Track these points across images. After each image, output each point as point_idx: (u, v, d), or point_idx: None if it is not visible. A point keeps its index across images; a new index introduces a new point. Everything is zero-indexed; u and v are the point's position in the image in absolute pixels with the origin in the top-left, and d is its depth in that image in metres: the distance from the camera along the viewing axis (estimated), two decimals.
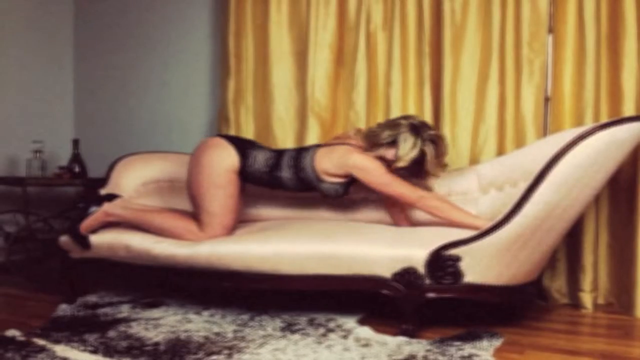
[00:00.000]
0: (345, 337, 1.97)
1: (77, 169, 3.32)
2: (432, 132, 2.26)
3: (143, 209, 2.43)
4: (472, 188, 2.43)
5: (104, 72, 3.81)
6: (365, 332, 2.01)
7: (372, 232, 2.20)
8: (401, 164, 2.23)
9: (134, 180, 2.73)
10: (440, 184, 2.50)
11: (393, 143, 2.25)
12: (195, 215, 2.35)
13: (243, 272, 2.14)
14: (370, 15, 2.85)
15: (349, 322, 2.12)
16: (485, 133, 2.61)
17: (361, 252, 2.02)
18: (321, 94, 2.92)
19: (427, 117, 2.71)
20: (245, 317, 2.22)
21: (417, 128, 2.24)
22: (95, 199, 2.49)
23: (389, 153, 2.26)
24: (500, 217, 1.92)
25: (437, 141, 2.26)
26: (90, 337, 1.97)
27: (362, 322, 2.14)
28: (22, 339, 1.95)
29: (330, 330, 2.04)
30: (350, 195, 2.58)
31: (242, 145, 2.35)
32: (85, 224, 2.39)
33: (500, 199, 2.27)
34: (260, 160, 2.33)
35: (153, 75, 3.63)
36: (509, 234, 1.90)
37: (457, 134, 2.66)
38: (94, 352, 1.83)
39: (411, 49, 2.78)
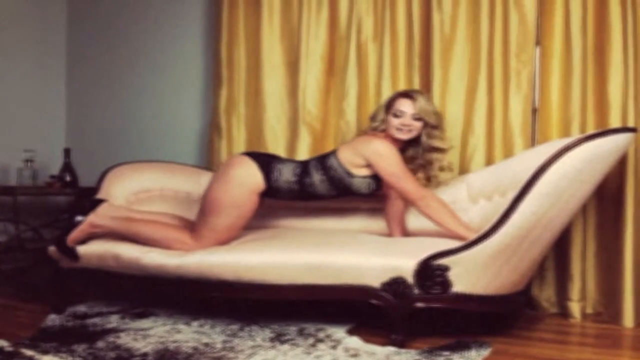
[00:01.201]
0: (334, 347, 1.97)
1: (68, 178, 3.32)
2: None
3: (131, 217, 2.41)
4: (462, 197, 2.45)
5: (95, 81, 3.82)
6: (355, 342, 2.01)
7: (361, 241, 2.21)
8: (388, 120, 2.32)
9: (125, 190, 2.73)
10: None
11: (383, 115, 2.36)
12: (193, 224, 2.34)
13: (233, 282, 2.14)
14: (361, 26, 2.88)
15: (339, 332, 2.13)
16: (474, 143, 2.64)
17: (350, 262, 2.02)
18: (312, 103, 2.94)
19: None
20: (234, 327, 2.22)
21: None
22: (80, 207, 2.47)
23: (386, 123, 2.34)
24: (487, 227, 1.93)
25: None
26: (78, 348, 1.96)
27: (351, 332, 2.14)
28: (10, 349, 1.93)
29: (320, 341, 2.04)
30: (342, 204, 2.59)
31: (266, 161, 2.33)
32: (72, 236, 2.37)
33: (490, 209, 2.29)
34: (285, 172, 2.32)
35: (145, 84, 3.64)
36: (496, 243, 1.91)
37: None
38: None
39: (401, 59, 2.81)
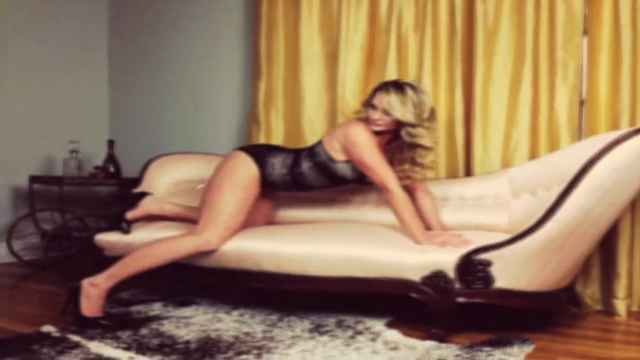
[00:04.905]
0: (373, 339, 1.97)
1: (111, 169, 3.40)
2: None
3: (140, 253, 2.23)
4: (504, 192, 2.41)
5: (137, 75, 3.89)
6: (394, 335, 2.01)
7: (401, 235, 2.19)
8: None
9: (166, 180, 2.78)
10: (471, 187, 2.48)
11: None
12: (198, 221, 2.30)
13: (272, 273, 2.16)
14: (401, 17, 2.85)
15: (377, 325, 2.12)
16: (517, 137, 2.58)
17: (390, 256, 2.01)
18: (351, 95, 2.93)
19: (458, 121, 2.70)
20: (273, 317, 2.24)
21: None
22: (129, 198, 2.54)
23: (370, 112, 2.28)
24: (532, 222, 1.89)
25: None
26: (123, 334, 2.01)
27: (390, 325, 2.14)
28: (57, 334, 2.00)
29: (359, 333, 2.04)
30: (368, 197, 2.57)
31: (260, 155, 2.35)
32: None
33: (533, 203, 2.23)
34: (278, 165, 2.34)
35: (185, 77, 3.69)
36: (541, 239, 1.87)
37: (488, 137, 2.63)
38: (127, 349, 1.87)
39: (442, 51, 2.77)
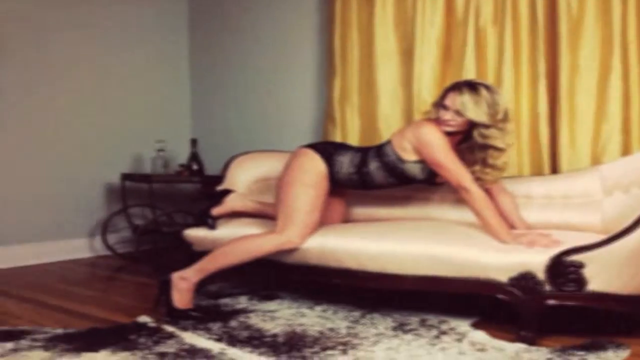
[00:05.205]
0: (459, 340, 1.95)
1: (195, 167, 3.54)
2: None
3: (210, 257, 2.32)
4: (595, 190, 2.31)
5: (217, 76, 4.03)
6: (480, 336, 1.98)
7: (484, 234, 2.15)
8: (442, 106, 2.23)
9: (246, 178, 2.88)
10: (558, 185, 2.40)
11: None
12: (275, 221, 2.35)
13: (355, 270, 2.19)
14: (479, 10, 2.79)
15: (462, 326, 2.11)
16: (607, 133, 2.47)
17: (476, 255, 1.99)
18: (428, 92, 2.90)
19: (543, 117, 2.62)
20: (356, 314, 2.27)
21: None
22: (213, 195, 2.64)
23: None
24: (629, 222, 1.81)
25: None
26: (214, 326, 2.10)
27: (476, 325, 2.11)
28: (153, 325, 2.12)
29: (443, 333, 2.03)
30: (446, 195, 2.54)
31: (328, 153, 2.37)
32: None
33: (627, 202, 2.14)
34: (345, 164, 2.35)
35: (263, 77, 3.78)
36: (638, 240, 1.79)
37: (576, 134, 2.54)
38: (219, 340, 1.95)
39: (524, 44, 2.69)
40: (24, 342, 1.92)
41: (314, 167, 2.33)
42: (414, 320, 2.18)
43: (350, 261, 2.19)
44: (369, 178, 2.36)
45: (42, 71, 3.46)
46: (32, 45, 3.41)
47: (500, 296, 1.96)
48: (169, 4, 4.06)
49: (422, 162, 2.27)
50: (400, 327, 2.10)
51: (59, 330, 2.07)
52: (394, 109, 3.06)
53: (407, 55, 3.01)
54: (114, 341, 1.93)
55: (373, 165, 2.34)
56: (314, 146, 2.45)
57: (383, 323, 2.15)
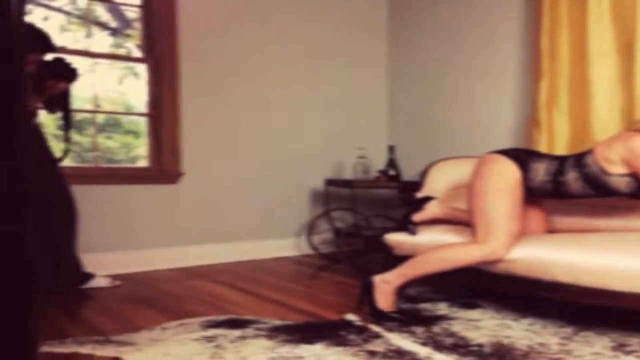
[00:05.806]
0: None
1: (392, 172, 3.66)
2: None
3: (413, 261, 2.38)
4: None
5: (413, 83, 4.10)
6: None
7: None
8: None
9: (444, 184, 2.88)
10: None
11: None
12: (471, 232, 2.32)
13: (568, 284, 2.07)
14: None
15: None
16: None
17: None
18: None
19: None
20: (568, 330, 2.14)
21: None
22: (414, 201, 2.71)
23: None
24: None
25: None
26: (417, 330, 2.15)
27: None
28: (359, 324, 2.24)
29: None
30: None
31: (522, 159, 2.27)
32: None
33: None
34: (541, 171, 2.23)
35: (459, 81, 3.75)
36: None
37: None
38: (424, 344, 1.99)
39: None
40: (249, 331, 2.15)
41: (508, 173, 2.25)
42: (635, 341, 1.99)
43: (562, 274, 2.08)
44: (564, 188, 2.22)
45: (265, 88, 3.87)
46: (257, 65, 3.84)
47: None
48: (370, 10, 4.24)
49: (630, 175, 2.09)
50: (620, 348, 1.93)
51: (278, 322, 2.29)
52: (611, 111, 2.82)
53: (626, 52, 2.75)
54: (327, 335, 2.08)
55: (571, 176, 2.20)
56: (505, 152, 2.37)
57: (599, 342, 2.00)
